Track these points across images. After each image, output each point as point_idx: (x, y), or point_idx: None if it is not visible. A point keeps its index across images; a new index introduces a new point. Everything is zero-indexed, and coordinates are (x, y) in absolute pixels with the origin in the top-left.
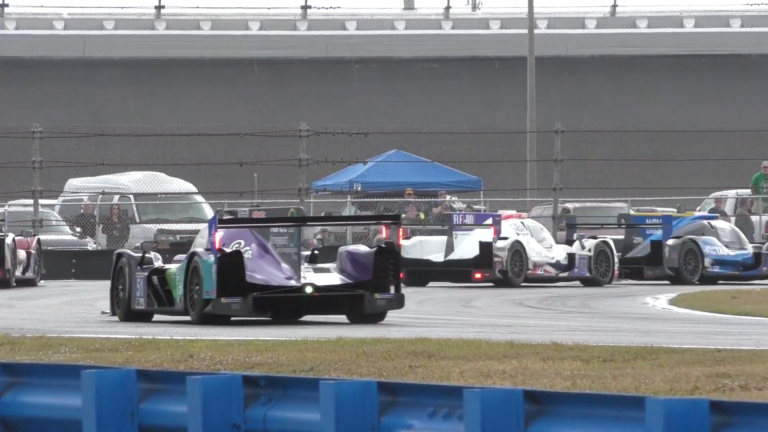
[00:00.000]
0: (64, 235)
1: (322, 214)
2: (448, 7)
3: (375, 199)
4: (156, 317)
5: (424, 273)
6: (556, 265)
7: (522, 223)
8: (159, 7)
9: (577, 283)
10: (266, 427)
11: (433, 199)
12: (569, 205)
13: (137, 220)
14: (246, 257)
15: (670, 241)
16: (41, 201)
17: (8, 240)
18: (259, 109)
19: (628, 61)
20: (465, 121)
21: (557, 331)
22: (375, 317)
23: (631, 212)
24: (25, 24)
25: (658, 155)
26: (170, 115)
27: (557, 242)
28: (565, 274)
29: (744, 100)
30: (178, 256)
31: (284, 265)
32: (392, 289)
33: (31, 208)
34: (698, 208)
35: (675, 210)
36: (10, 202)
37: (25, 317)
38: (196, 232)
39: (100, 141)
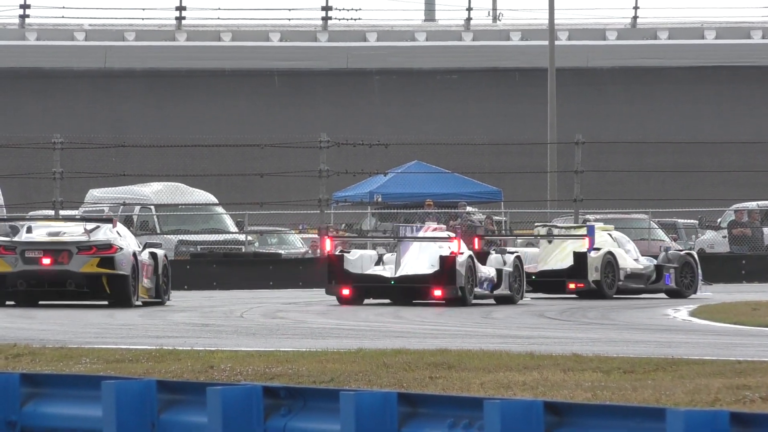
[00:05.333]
0: None
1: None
2: (468, 19)
3: (395, 210)
4: None
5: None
6: (644, 277)
7: (609, 234)
8: (180, 18)
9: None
10: None
11: (453, 210)
12: (590, 217)
13: (158, 231)
14: None
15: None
16: (62, 212)
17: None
18: (279, 120)
19: (648, 73)
20: (485, 132)
21: (577, 342)
22: None
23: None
24: (46, 35)
25: (679, 167)
26: (191, 126)
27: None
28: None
29: (765, 111)
30: None
31: None
32: None
33: None
34: (719, 220)
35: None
36: (30, 213)
37: (46, 328)
38: (217, 243)
39: (121, 152)
